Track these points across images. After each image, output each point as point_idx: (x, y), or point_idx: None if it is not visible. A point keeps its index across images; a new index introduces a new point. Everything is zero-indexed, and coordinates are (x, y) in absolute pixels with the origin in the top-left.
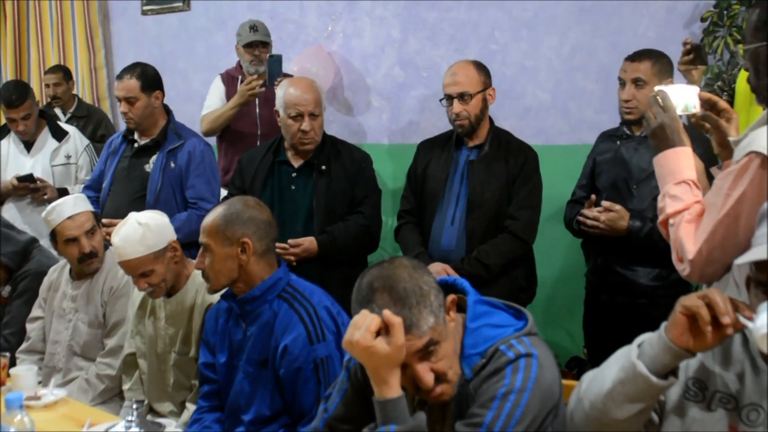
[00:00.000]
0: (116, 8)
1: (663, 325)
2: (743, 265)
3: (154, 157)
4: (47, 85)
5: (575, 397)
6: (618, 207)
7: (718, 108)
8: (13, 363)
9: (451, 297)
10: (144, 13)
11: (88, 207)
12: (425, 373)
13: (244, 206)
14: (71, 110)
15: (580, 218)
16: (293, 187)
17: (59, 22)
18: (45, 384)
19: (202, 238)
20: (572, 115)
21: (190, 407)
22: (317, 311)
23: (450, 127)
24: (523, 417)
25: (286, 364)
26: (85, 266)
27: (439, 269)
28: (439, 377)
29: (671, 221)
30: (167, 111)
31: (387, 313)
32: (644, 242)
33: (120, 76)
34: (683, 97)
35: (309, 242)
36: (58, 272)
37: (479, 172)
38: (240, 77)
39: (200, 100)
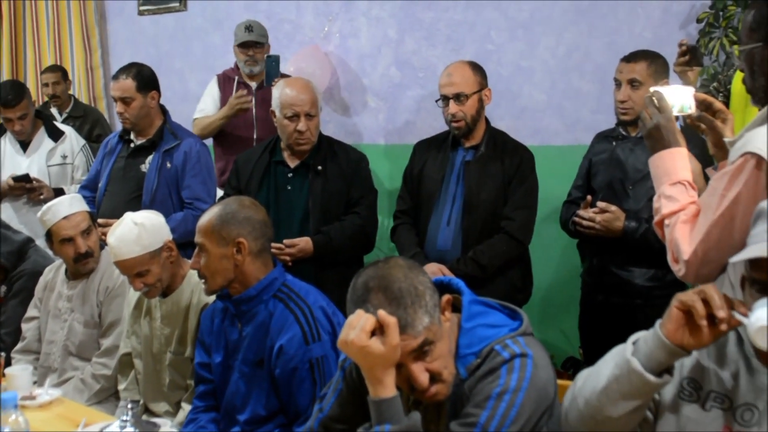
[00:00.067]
0: (113, 8)
1: (658, 322)
2: (738, 265)
3: (150, 157)
4: (46, 84)
5: (570, 396)
6: (613, 208)
7: (713, 109)
8: (8, 363)
9: (446, 297)
10: (140, 13)
11: (83, 207)
12: (420, 373)
13: (240, 206)
14: (67, 110)
15: (576, 219)
16: (289, 188)
17: (56, 21)
18: (40, 384)
19: (197, 238)
20: (568, 115)
21: (186, 407)
22: (313, 311)
23: (446, 127)
24: (517, 417)
25: (282, 364)
26: (80, 266)
27: (435, 269)
28: (434, 377)
29: (667, 222)
30: (163, 111)
31: (382, 313)
32: (640, 243)
33: (116, 77)
34: (679, 97)
35: (305, 242)
36: (54, 272)
37: (475, 173)
38: (236, 78)
39: (197, 101)
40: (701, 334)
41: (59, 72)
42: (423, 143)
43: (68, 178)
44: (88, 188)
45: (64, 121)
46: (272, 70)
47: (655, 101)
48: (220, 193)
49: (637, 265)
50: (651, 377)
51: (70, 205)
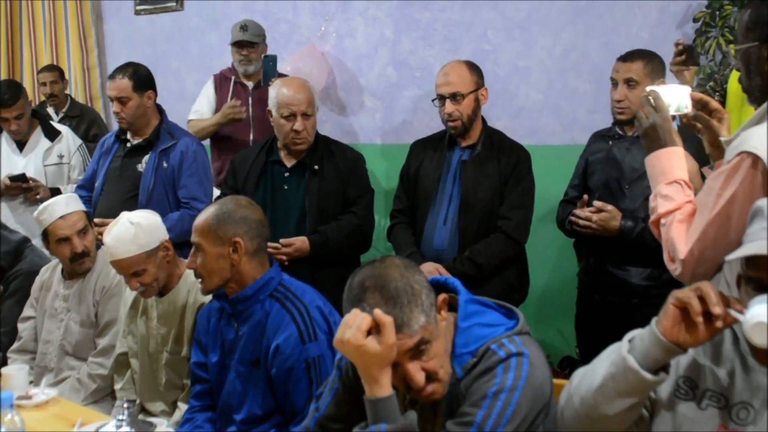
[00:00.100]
0: (109, 8)
1: (654, 319)
2: (734, 264)
3: (146, 157)
4: (44, 83)
5: (566, 395)
6: (610, 207)
7: (709, 108)
8: (4, 362)
9: (443, 296)
10: (137, 12)
11: (80, 206)
12: (416, 372)
13: (236, 206)
14: (64, 110)
15: (573, 218)
16: (286, 187)
17: (52, 21)
18: (36, 383)
19: (193, 238)
20: (565, 115)
21: (182, 407)
22: (309, 311)
23: (443, 127)
24: (513, 416)
25: (278, 363)
26: (77, 266)
27: (432, 269)
28: (430, 376)
29: (663, 221)
30: (160, 111)
31: (378, 312)
32: (636, 242)
33: (112, 76)
34: (675, 97)
35: (301, 242)
36: (50, 272)
37: (472, 172)
38: (233, 78)
39: (193, 100)
40: (697, 331)
41: (57, 71)
42: (420, 143)
43: (65, 177)
44: (85, 188)
45: (60, 121)
46: (269, 70)
47: (652, 100)
48: (216, 192)
49: (633, 264)
50: (647, 375)
51: (67, 204)
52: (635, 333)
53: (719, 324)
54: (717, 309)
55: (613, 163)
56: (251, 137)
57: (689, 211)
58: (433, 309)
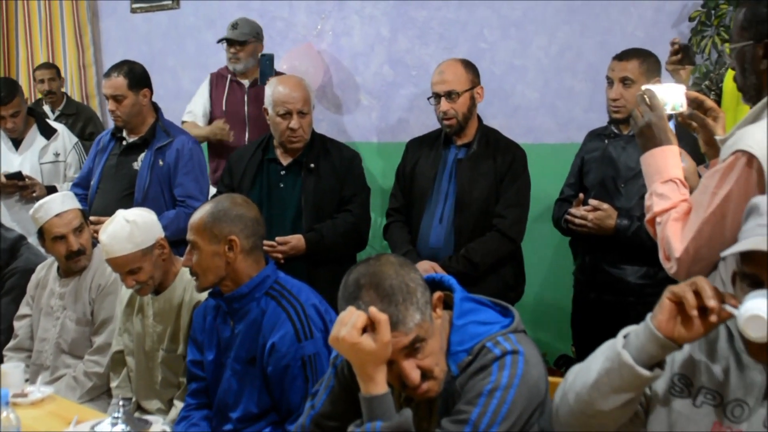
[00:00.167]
0: (105, 6)
1: (649, 315)
2: (730, 262)
3: (142, 155)
4: (41, 81)
5: (561, 392)
6: (606, 206)
7: (705, 107)
8: (0, 360)
9: (438, 294)
10: (133, 11)
11: (76, 204)
12: (411, 370)
13: (232, 204)
14: (60, 108)
15: (568, 217)
16: (282, 185)
17: (48, 19)
18: (32, 381)
19: (189, 236)
20: (560, 113)
21: (178, 405)
22: (305, 309)
23: (439, 125)
24: (509, 414)
25: (274, 361)
26: (72, 264)
27: (427, 267)
28: (426, 374)
29: (658, 220)
30: (156, 109)
31: (373, 309)
32: (632, 241)
33: (107, 74)
34: (670, 96)
35: (297, 240)
36: (46, 270)
37: (467, 171)
38: (229, 76)
39: (189, 99)
40: (692, 326)
41: (54, 69)
42: (415, 141)
43: (60, 175)
44: (81, 186)
45: (56, 119)
46: (266, 69)
47: (647, 99)
48: (213, 191)
49: (629, 262)
50: (642, 370)
51: (62, 202)
52: (630, 329)
53: (714, 318)
54: (712, 302)
55: (608, 162)
56: (247, 136)
57: (684, 209)
58: (428, 307)
